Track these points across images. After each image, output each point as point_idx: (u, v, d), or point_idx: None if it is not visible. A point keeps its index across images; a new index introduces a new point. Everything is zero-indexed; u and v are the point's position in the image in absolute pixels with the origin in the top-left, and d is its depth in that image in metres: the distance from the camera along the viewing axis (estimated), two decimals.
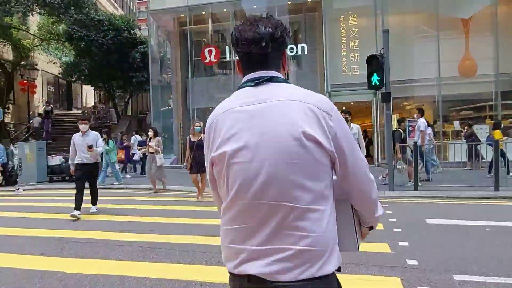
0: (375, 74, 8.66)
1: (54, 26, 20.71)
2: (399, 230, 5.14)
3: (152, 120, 17.60)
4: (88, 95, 29.17)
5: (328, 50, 15.48)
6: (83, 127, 6.72)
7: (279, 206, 1.09)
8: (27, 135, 19.62)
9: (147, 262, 4.08)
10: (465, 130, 12.73)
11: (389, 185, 8.78)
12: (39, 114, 20.65)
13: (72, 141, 6.76)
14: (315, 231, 1.09)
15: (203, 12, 17.89)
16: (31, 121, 20.00)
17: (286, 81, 1.23)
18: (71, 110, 26.30)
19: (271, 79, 1.20)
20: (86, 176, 6.74)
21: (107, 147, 10.91)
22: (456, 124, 14.53)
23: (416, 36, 15.16)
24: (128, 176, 12.79)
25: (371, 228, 1.34)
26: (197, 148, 7.80)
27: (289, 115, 1.11)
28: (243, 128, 1.14)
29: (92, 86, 22.62)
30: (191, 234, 5.18)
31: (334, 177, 1.19)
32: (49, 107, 20.36)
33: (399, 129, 9.67)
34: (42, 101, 22.58)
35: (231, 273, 1.18)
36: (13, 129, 20.21)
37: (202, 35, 18.55)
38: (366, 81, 15.04)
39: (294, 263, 1.08)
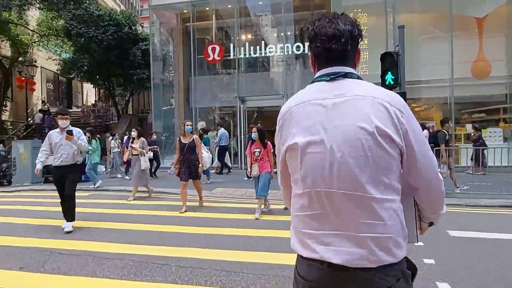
0: (389, 72, 8.13)
1: (54, 22, 20.23)
2: (422, 244, 4.61)
3: (153, 119, 17.08)
4: (89, 93, 28.68)
5: None
6: (62, 122, 5.59)
7: (353, 195, 1.14)
8: (25, 132, 19.15)
9: (139, 282, 3.54)
10: (472, 134, 12.32)
11: None
12: (40, 110, 20.20)
13: (47, 138, 5.69)
14: (388, 220, 1.14)
15: (207, 8, 17.37)
16: (33, 116, 19.56)
17: (359, 77, 1.27)
18: (71, 108, 25.82)
19: (346, 75, 1.25)
20: (64, 179, 5.64)
21: (90, 148, 10.16)
22: (469, 127, 13.93)
23: (428, 36, 14.59)
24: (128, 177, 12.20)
25: (431, 224, 1.36)
26: (188, 150, 6.92)
27: (363, 110, 1.16)
28: (318, 121, 1.19)
29: (91, 84, 22.09)
30: (190, 246, 4.64)
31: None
32: (46, 106, 19.85)
33: (443, 130, 8.97)
34: (41, 99, 22.10)
35: (302, 257, 1.23)
36: (11, 127, 19.73)
37: (206, 32, 18.02)
38: (375, 81, 14.83)
39: (368, 249, 1.13)
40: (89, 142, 10.26)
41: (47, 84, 24.36)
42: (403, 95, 8.12)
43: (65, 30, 17.08)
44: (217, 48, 16.02)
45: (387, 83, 8.15)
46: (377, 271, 1.13)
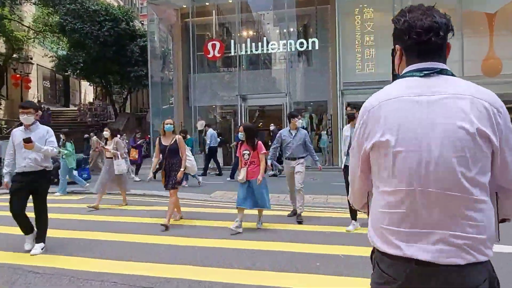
0: None
1: (50, 18, 19.67)
2: None
3: (151, 118, 16.50)
4: (87, 92, 28.13)
5: (341, 46, 14.31)
6: (25, 118, 4.39)
7: (448, 196, 1.13)
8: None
9: None
10: None
11: None
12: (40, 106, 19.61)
13: (10, 139, 4.58)
14: (482, 221, 1.14)
15: (207, 4, 16.79)
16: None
17: (454, 74, 1.24)
18: (68, 107, 25.30)
19: (441, 71, 1.22)
20: (27, 190, 4.39)
21: (65, 151, 9.15)
22: None
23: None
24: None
25: (503, 220, 1.32)
26: (170, 153, 5.85)
27: (463, 110, 1.14)
28: (414, 118, 1.17)
29: (87, 81, 21.52)
30: (179, 263, 4.06)
31: None
32: (41, 105, 19.23)
33: None
34: (37, 97, 21.55)
35: (384, 253, 1.22)
36: (5, 126, 19.17)
37: (206, 28, 17.45)
38: (382, 79, 14.35)
39: (460, 248, 1.13)
40: (64, 145, 9.32)
41: (44, 82, 23.81)
42: None
43: (60, 26, 16.50)
44: (218, 45, 15.44)
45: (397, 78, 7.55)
46: (466, 268, 1.13)
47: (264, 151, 5.49)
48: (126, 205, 7.67)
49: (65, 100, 25.94)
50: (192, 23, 16.47)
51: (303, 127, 12.60)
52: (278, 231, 5.42)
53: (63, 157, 9.28)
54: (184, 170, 5.90)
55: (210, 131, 12.70)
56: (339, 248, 4.50)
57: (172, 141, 5.88)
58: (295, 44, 15.14)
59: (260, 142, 5.52)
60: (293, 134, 6.11)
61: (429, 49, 1.22)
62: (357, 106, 5.31)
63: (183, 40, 16.82)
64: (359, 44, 14.39)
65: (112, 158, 7.51)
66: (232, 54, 15.74)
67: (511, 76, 13.13)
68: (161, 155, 5.99)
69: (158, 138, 6.09)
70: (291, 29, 16.42)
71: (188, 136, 10.95)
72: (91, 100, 24.34)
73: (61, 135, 9.86)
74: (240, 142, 5.67)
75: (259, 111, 17.25)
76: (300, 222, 5.86)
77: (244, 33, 16.94)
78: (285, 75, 15.58)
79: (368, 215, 1.36)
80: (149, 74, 16.58)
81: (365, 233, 4.35)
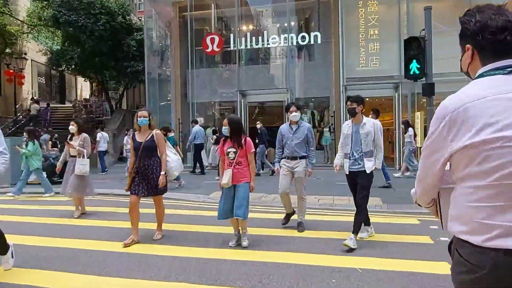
0: (414, 61, 7.06)
1: (45, 13, 19.09)
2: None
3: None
4: (83, 88, 27.56)
5: (344, 40, 13.81)
6: None
7: None
8: (13, 128, 18.06)
9: None
10: None
11: None
12: (36, 101, 19.10)
13: None
14: None
15: None
16: (28, 107, 18.43)
17: None
18: (64, 104, 24.75)
19: None
20: None
21: (26, 151, 8.49)
22: None
23: (445, 26, 13.46)
24: None
25: None
26: (145, 152, 4.73)
27: None
28: (508, 115, 1.18)
29: (82, 77, 20.97)
30: (173, 279, 3.59)
31: None
32: (37, 105, 18.64)
33: None
34: (32, 93, 21.01)
35: (478, 246, 1.23)
36: None
37: (204, 22, 16.92)
38: (385, 74, 13.92)
39: None
40: (26, 144, 8.62)
41: (39, 78, 23.25)
42: (430, 86, 7.06)
43: (53, 18, 15.93)
44: (216, 39, 14.91)
45: (411, 73, 7.10)
46: None
47: (253, 150, 4.66)
48: (84, 213, 6.66)
49: (60, 97, 25.37)
50: (190, 17, 15.93)
51: None
52: (283, 239, 4.95)
53: (27, 157, 8.53)
54: (165, 174, 4.84)
55: (196, 127, 12.23)
56: (356, 260, 4.04)
57: (148, 137, 4.77)
58: (296, 38, 14.63)
59: (249, 139, 4.63)
60: (293, 130, 5.34)
61: (505, 48, 1.24)
62: (358, 99, 4.68)
63: (181, 35, 16.29)
64: (363, 38, 13.88)
65: (76, 156, 6.48)
66: (232, 48, 15.22)
67: None
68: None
69: (131, 134, 5.10)
70: (292, 23, 15.91)
71: (171, 134, 9.94)
72: (87, 97, 23.80)
73: (24, 134, 9.16)
74: (224, 138, 4.70)
75: (259, 108, 16.76)
76: (301, 231, 5.27)
77: (244, 27, 16.41)
78: (285, 70, 15.08)
79: (437, 211, 1.49)
80: (146, 69, 16.05)
81: (380, 241, 3.80)
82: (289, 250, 4.47)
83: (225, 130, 4.58)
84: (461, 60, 1.37)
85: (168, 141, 9.56)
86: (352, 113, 4.71)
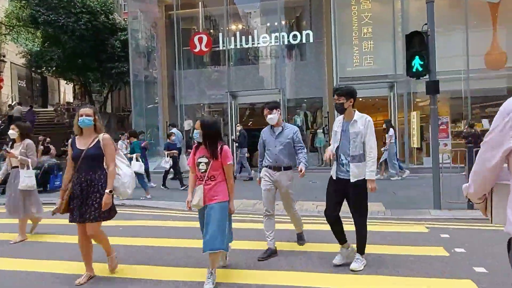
0: (417, 57, 6.61)
1: (24, 13, 18.23)
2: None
3: (134, 118, 15.29)
4: (67, 91, 26.63)
5: (337, 38, 13.38)
6: None
7: None
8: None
9: None
10: (465, 130, 11.12)
11: (435, 201, 6.73)
12: (19, 103, 18.18)
13: None
14: None
15: None
16: (11, 109, 17.47)
17: None
18: (47, 108, 23.79)
19: None
20: None
21: None
22: (485, 123, 12.58)
23: (440, 24, 13.15)
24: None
25: None
26: (86, 163, 3.57)
27: None
28: None
29: (64, 79, 20.12)
30: None
31: None
32: (20, 106, 17.72)
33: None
34: (11, 97, 20.08)
35: None
36: None
37: (192, 21, 16.33)
38: (380, 73, 13.54)
39: None
40: None
41: (19, 81, 22.29)
42: (434, 84, 6.62)
43: (32, 18, 15.13)
44: (205, 38, 14.35)
45: (414, 70, 6.65)
46: None
47: (231, 161, 3.56)
48: (36, 234, 5.61)
49: (43, 100, 24.41)
50: (176, 16, 15.34)
51: (298, 126, 11.76)
52: (284, 255, 4.39)
53: None
54: (111, 192, 3.58)
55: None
56: (368, 281, 3.54)
57: (92, 143, 3.61)
58: (287, 37, 14.16)
59: (226, 147, 3.56)
60: (276, 133, 4.38)
61: None
62: (346, 92, 3.76)
63: (167, 34, 15.69)
64: (356, 36, 13.48)
65: (18, 166, 5.30)
66: (220, 48, 14.70)
67: None
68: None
69: (71, 139, 3.75)
70: (283, 22, 15.47)
71: (135, 139, 8.77)
72: (71, 100, 22.90)
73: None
74: (196, 145, 3.68)
75: (249, 109, 16.24)
76: (302, 244, 4.71)
77: (233, 26, 15.88)
78: (277, 71, 14.60)
79: (488, 207, 1.63)
80: (131, 70, 15.37)
81: (391, 254, 3.21)
82: (291, 268, 3.94)
83: (197, 134, 3.59)
84: None
85: (135, 149, 8.43)
86: (340, 110, 3.85)
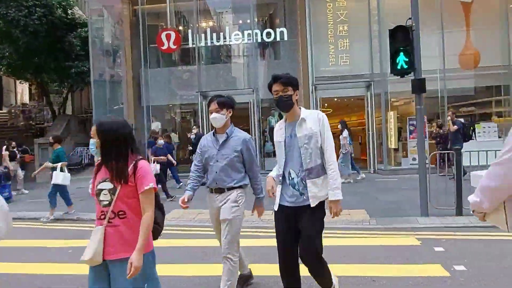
0: (401, 53, 6.15)
1: None
2: None
3: (95, 120, 14.12)
4: (24, 92, 24.72)
5: (312, 36, 12.90)
6: None
7: None
8: None
9: None
10: (435, 130, 11.04)
11: (422, 208, 6.29)
12: None
13: None
14: None
15: None
16: None
17: None
18: (1, 109, 21.90)
19: None
20: None
21: None
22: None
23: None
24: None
25: None
26: None
27: None
28: None
29: (17, 79, 18.50)
30: None
31: None
32: None
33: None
34: None
35: None
36: None
37: (159, 17, 15.32)
38: (357, 73, 13.20)
39: None
40: None
41: None
42: (420, 82, 6.19)
43: None
44: (173, 35, 13.44)
45: (398, 67, 6.19)
46: None
47: (152, 185, 2.21)
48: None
49: None
50: (142, 11, 14.33)
51: (272, 128, 11.09)
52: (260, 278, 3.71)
53: None
54: None
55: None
56: None
57: None
58: (261, 34, 13.54)
59: (143, 162, 2.26)
60: (219, 143, 3.20)
61: None
62: (291, 80, 2.74)
63: (132, 30, 14.63)
64: (332, 34, 13.05)
65: None
66: (190, 46, 13.84)
67: (490, 68, 12.44)
68: None
69: None
70: (256, 20, 14.85)
71: (58, 146, 7.31)
72: (27, 101, 21.19)
73: None
74: (98, 163, 2.37)
75: None
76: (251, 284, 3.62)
77: (203, 23, 15.06)
78: (250, 70, 13.94)
79: (500, 216, 1.62)
80: (92, 70, 14.19)
81: (384, 277, 2.59)
82: None
83: (93, 146, 2.32)
84: None
85: (60, 157, 7.09)
86: (287, 105, 2.73)
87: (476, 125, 12.17)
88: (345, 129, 10.01)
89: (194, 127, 11.63)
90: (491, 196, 1.57)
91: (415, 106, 6.52)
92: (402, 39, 6.12)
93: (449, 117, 10.20)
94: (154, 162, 8.51)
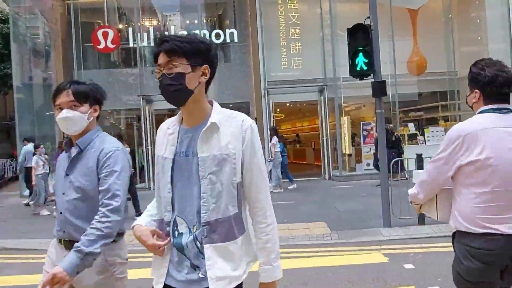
0: (360, 54, 5.70)
1: None
2: None
3: (18, 127, 12.29)
4: None
5: (264, 39, 12.33)
6: None
7: None
8: None
9: None
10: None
11: (384, 219, 5.87)
12: None
13: None
14: None
15: None
16: None
17: None
18: None
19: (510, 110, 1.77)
20: None
21: None
22: (411, 127, 12.63)
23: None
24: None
25: None
26: None
27: None
28: (504, 142, 1.69)
29: None
30: None
31: None
32: None
33: None
34: None
35: (477, 234, 1.69)
36: None
37: (95, 13, 13.88)
38: (309, 77, 12.87)
39: None
40: None
41: None
42: (381, 84, 5.77)
43: None
44: (111, 33, 12.15)
45: (358, 68, 5.73)
46: None
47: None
48: None
49: None
50: (75, 6, 12.85)
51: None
52: None
53: None
54: None
55: (27, 147, 9.55)
56: None
57: None
58: (209, 36, 12.72)
59: None
60: (68, 160, 1.89)
61: (505, 96, 1.77)
62: (200, 50, 1.47)
63: (63, 27, 13.07)
64: (284, 37, 12.59)
65: None
66: (131, 45, 12.64)
67: (436, 74, 12.75)
68: None
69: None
70: (204, 20, 14.04)
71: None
72: None
73: None
74: None
75: (168, 116, 14.35)
76: None
77: (146, 22, 13.92)
78: None
79: (432, 207, 1.94)
80: (13, 72, 12.38)
81: None
82: None
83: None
84: (467, 96, 1.87)
85: None
86: (173, 93, 1.47)
87: (424, 129, 12.40)
88: (275, 136, 9.64)
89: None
90: (425, 189, 1.89)
91: (375, 110, 6.08)
92: (362, 38, 5.69)
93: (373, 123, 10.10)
94: None
